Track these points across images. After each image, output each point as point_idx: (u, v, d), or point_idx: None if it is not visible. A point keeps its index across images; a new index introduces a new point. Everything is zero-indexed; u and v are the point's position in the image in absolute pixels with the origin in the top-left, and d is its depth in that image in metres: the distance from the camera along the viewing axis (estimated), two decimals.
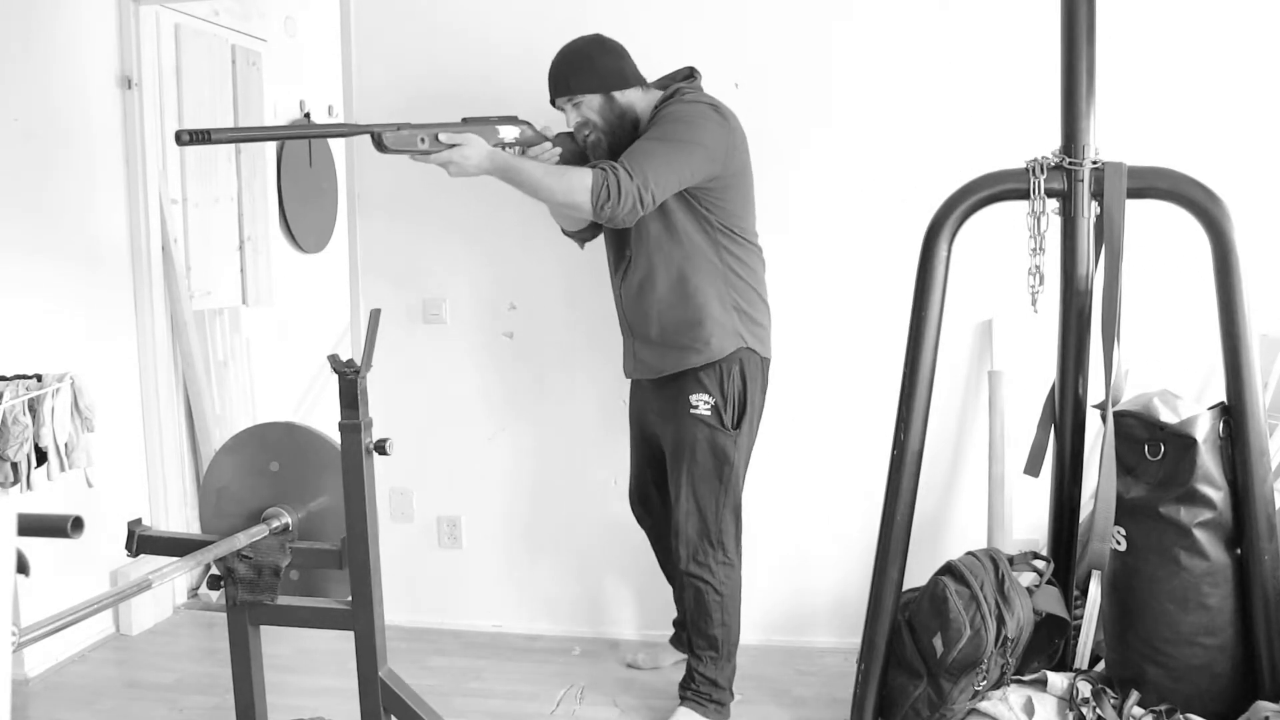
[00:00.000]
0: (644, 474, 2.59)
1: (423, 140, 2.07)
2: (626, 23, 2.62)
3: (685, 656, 2.69)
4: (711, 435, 2.29)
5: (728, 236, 2.29)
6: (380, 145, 2.05)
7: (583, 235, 2.51)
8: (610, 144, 2.29)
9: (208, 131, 1.82)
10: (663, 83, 2.37)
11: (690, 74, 2.37)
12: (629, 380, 2.55)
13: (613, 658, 2.81)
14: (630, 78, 2.32)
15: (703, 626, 2.37)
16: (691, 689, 2.40)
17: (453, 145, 2.08)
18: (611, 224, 2.17)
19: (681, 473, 2.33)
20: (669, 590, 2.75)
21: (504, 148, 2.20)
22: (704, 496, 2.32)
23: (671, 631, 2.75)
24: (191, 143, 1.81)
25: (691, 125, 2.20)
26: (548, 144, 2.29)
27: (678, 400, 2.31)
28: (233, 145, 3.61)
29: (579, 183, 2.10)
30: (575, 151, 2.35)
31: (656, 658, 2.75)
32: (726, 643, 2.38)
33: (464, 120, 2.19)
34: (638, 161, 2.13)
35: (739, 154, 2.29)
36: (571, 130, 2.35)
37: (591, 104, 2.29)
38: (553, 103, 2.34)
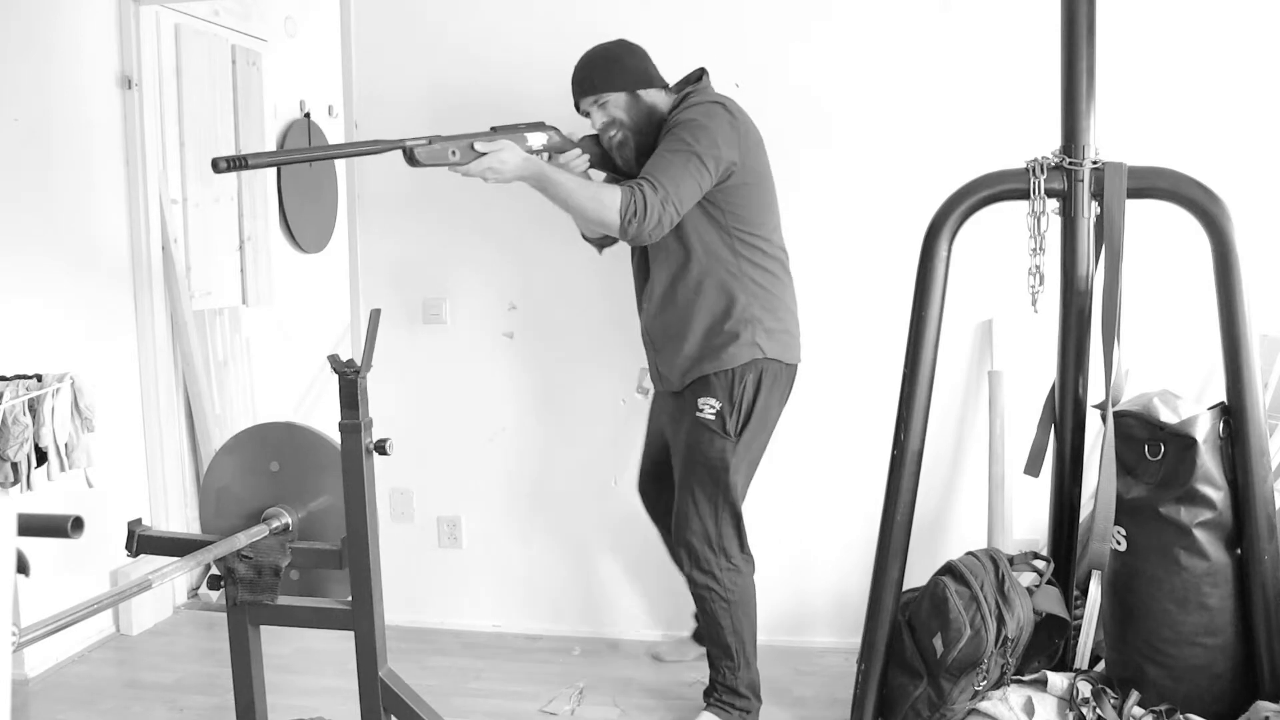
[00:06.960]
0: (650, 468, 2.61)
1: (454, 153, 2.05)
2: (626, 22, 2.61)
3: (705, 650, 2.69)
4: (712, 440, 2.26)
5: (746, 245, 2.25)
6: (412, 160, 2.03)
7: (601, 242, 2.49)
8: (637, 144, 2.28)
9: (244, 157, 1.82)
10: (677, 86, 2.36)
11: (700, 75, 2.36)
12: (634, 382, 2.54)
13: (613, 658, 2.81)
14: (654, 78, 2.32)
15: (715, 635, 2.34)
16: (714, 696, 2.37)
17: (486, 152, 2.06)
18: (637, 242, 2.15)
19: (683, 477, 2.32)
20: (669, 590, 2.75)
21: (532, 154, 2.18)
22: (702, 501, 2.29)
23: (694, 626, 2.74)
24: (229, 169, 1.80)
25: (699, 127, 2.17)
26: (576, 149, 2.28)
27: (688, 406, 2.30)
28: (233, 144, 3.61)
29: (609, 200, 2.09)
30: (601, 155, 2.34)
31: (680, 650, 2.76)
32: (741, 651, 2.33)
33: (492, 129, 2.17)
34: (658, 176, 2.11)
35: (752, 150, 2.25)
36: (597, 132, 2.32)
37: (618, 102, 2.27)
38: (577, 107, 2.33)
